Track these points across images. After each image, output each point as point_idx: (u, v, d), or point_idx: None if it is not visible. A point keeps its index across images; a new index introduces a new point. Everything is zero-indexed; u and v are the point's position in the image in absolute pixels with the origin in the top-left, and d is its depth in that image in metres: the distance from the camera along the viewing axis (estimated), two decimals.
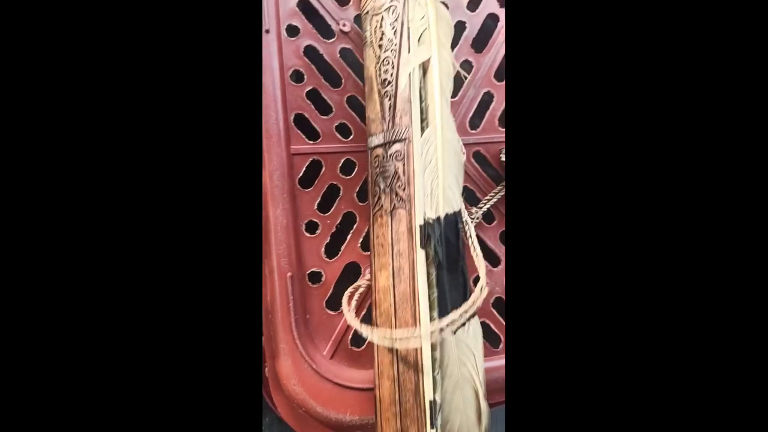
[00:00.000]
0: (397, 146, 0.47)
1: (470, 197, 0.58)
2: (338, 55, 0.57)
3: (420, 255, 0.45)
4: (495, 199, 0.58)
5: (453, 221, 0.46)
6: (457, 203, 0.47)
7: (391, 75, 0.48)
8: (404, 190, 0.46)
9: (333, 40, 0.57)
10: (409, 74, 0.47)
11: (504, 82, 0.61)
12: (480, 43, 0.61)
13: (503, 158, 0.58)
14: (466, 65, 0.61)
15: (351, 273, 0.54)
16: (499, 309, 0.57)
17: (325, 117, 0.56)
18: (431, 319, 0.44)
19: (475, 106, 0.60)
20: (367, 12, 0.50)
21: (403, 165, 0.47)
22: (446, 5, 0.53)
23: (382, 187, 0.47)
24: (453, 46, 0.59)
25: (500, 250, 0.58)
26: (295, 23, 0.56)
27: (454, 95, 0.58)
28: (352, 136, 0.57)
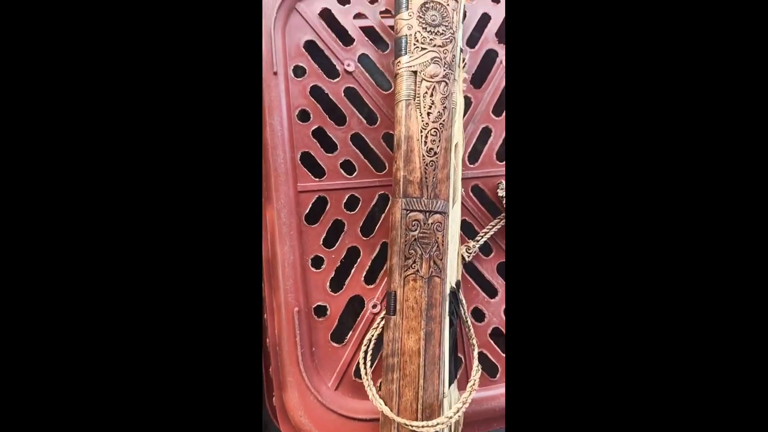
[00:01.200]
0: (437, 217, 0.51)
1: (468, 230, 0.61)
2: (343, 94, 0.60)
3: (446, 321, 0.50)
4: (492, 232, 0.60)
5: (455, 291, 0.50)
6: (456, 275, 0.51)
7: (438, 147, 0.51)
8: (441, 259, 0.51)
9: (338, 79, 0.60)
10: (452, 152, 0.52)
11: (502, 117, 0.63)
12: (479, 78, 0.64)
13: (501, 193, 0.60)
14: (465, 101, 0.63)
15: (354, 306, 0.57)
16: (496, 339, 0.60)
17: (330, 154, 0.59)
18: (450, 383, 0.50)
19: (474, 141, 0.63)
20: (415, 71, 0.53)
21: (442, 236, 0.51)
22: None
23: (419, 252, 0.51)
24: None
25: (498, 282, 0.61)
26: (301, 64, 0.59)
27: None
28: (356, 173, 0.59)
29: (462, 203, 0.61)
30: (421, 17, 0.54)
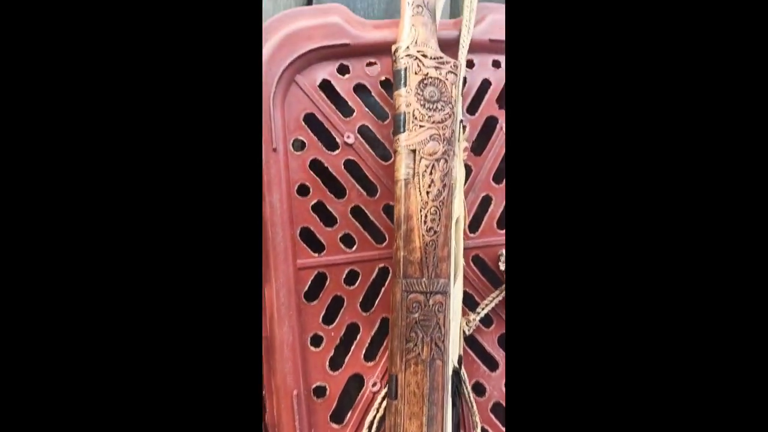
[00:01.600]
0: (438, 297, 0.51)
1: (469, 302, 0.61)
2: (342, 167, 0.59)
3: (449, 404, 0.50)
4: (493, 304, 0.60)
5: (458, 370, 0.50)
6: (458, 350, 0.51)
7: (438, 226, 0.51)
8: (443, 341, 0.50)
9: (337, 152, 0.59)
10: (453, 229, 0.52)
11: (502, 184, 0.63)
12: (479, 145, 0.63)
13: (503, 267, 0.60)
14: (465, 169, 0.63)
15: (354, 385, 0.57)
16: (497, 414, 0.60)
17: (329, 228, 0.58)
18: None
19: (474, 210, 0.62)
20: (414, 149, 0.52)
21: (444, 316, 0.51)
22: None
23: (420, 335, 0.50)
24: None
25: (499, 355, 0.61)
26: (301, 137, 0.58)
27: None
28: (356, 246, 0.59)
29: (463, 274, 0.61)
30: (419, 94, 0.53)
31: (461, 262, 0.55)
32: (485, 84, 0.64)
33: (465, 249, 0.61)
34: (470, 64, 0.62)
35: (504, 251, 0.61)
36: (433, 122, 0.53)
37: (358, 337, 0.58)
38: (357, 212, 0.59)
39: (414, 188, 0.52)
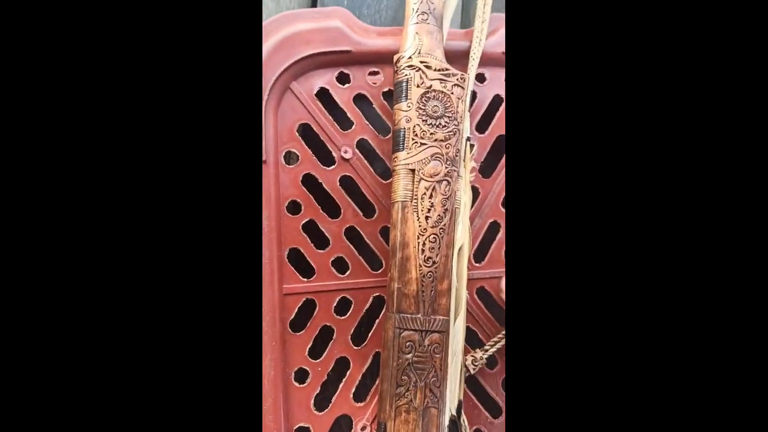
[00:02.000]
0: (435, 337, 0.46)
1: (473, 340, 0.55)
2: (338, 184, 0.54)
3: None
4: (500, 344, 0.54)
5: (456, 419, 0.44)
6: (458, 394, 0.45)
7: (437, 256, 0.46)
8: (439, 387, 0.45)
9: (333, 167, 0.54)
10: (455, 257, 0.46)
11: None
12: (489, 167, 0.58)
13: (503, 295, 0.54)
14: (473, 192, 0.57)
15: (342, 427, 0.51)
16: None
17: (321, 251, 0.53)
18: None
19: (480, 237, 0.57)
20: (413, 168, 0.47)
21: (440, 359, 0.45)
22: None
23: (413, 379, 0.45)
24: None
25: (502, 399, 0.55)
26: (294, 150, 0.53)
27: None
28: (349, 272, 0.54)
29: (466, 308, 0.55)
30: (421, 108, 0.48)
31: (464, 295, 0.49)
32: (497, 100, 0.58)
33: (469, 280, 0.55)
34: (481, 78, 0.57)
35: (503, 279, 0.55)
36: (436, 140, 0.48)
37: (348, 374, 0.52)
38: (352, 234, 0.54)
39: (411, 212, 0.47)
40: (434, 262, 0.46)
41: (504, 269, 0.56)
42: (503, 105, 0.58)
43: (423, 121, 0.48)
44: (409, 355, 0.45)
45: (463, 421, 0.47)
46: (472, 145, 0.53)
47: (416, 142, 0.47)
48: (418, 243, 0.46)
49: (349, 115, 0.55)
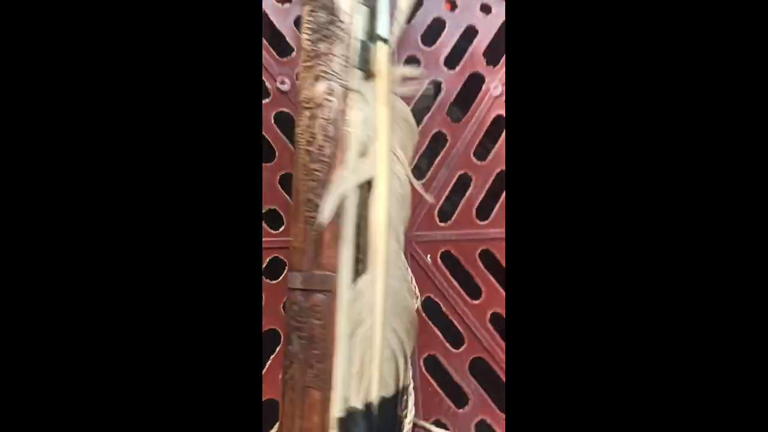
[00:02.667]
0: (318, 297, 0.35)
1: (436, 310, 0.45)
2: (273, 121, 0.45)
3: None
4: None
5: (390, 410, 0.33)
6: (395, 383, 0.34)
7: (320, 197, 0.35)
8: (321, 363, 0.33)
9: (267, 100, 0.45)
10: (344, 199, 0.35)
11: (486, 162, 0.48)
12: (459, 109, 0.49)
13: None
14: (440, 137, 0.48)
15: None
16: None
17: None
18: None
19: (446, 191, 0.47)
20: (301, 103, 0.38)
21: (322, 326, 0.34)
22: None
23: (295, 350, 0.34)
24: (426, 111, 0.47)
25: (468, 384, 0.45)
26: None
27: (420, 176, 0.46)
28: (282, 227, 0.44)
29: (427, 273, 0.46)
30: (308, 23, 0.38)
31: (387, 248, 0.36)
32: (469, 32, 0.49)
33: (432, 241, 0.46)
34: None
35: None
36: (318, 55, 0.37)
37: None
38: (289, 183, 0.44)
39: (297, 150, 0.38)
40: (316, 205, 0.36)
41: (474, 231, 0.47)
42: (477, 38, 0.49)
43: (308, 37, 0.37)
44: (293, 321, 0.35)
45: (408, 412, 0.36)
46: (439, 84, 0.43)
47: (306, 67, 0.37)
48: (302, 185, 0.37)
49: (288, 39, 0.46)
